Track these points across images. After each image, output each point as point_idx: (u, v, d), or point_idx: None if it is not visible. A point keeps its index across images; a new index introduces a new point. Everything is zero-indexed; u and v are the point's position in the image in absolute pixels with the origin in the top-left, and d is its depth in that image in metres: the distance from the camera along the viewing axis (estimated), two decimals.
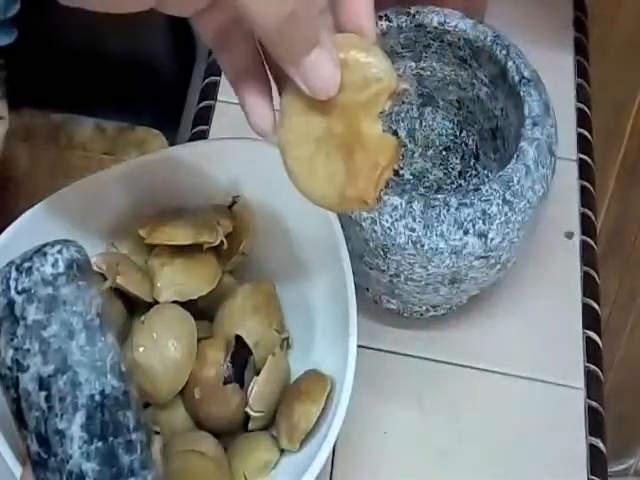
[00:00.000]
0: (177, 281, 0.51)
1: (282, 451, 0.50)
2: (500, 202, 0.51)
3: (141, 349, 0.49)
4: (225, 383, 0.50)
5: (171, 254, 0.51)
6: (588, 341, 0.61)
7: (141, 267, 0.52)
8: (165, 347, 0.49)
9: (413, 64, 0.61)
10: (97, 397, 0.37)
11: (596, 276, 0.63)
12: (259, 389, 0.49)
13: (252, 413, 0.49)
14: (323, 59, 0.37)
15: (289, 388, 0.51)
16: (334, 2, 0.39)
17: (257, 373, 0.50)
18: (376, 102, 0.39)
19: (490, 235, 0.51)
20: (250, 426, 0.50)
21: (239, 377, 0.51)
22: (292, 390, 0.50)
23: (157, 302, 0.51)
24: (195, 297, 0.51)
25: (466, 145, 0.63)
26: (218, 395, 0.50)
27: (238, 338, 0.52)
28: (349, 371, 0.47)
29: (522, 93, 0.55)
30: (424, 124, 0.64)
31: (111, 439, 0.37)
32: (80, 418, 0.36)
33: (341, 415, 0.45)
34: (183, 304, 0.51)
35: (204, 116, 0.68)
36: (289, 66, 0.37)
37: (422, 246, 0.51)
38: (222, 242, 0.51)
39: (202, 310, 0.53)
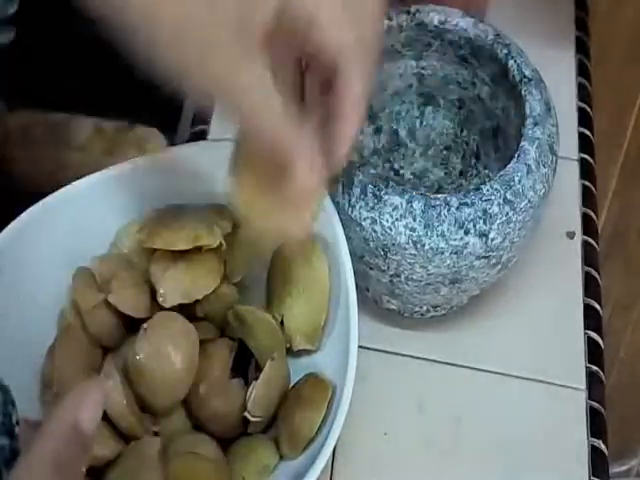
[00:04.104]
0: (181, 283, 0.51)
1: (281, 455, 0.49)
2: (501, 202, 0.51)
3: (142, 358, 0.48)
4: (231, 378, 0.50)
5: (172, 257, 0.51)
6: (589, 341, 0.60)
7: (141, 272, 0.52)
8: (166, 358, 0.49)
9: (414, 63, 0.61)
10: None
11: (597, 276, 0.63)
12: (258, 394, 0.49)
13: (251, 418, 0.49)
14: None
15: (290, 393, 0.50)
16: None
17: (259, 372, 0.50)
18: None
19: (491, 235, 0.51)
20: (249, 429, 0.50)
21: (243, 375, 0.51)
22: (293, 395, 0.50)
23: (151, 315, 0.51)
24: (200, 297, 0.51)
25: (467, 144, 0.63)
26: (223, 389, 0.50)
27: (241, 340, 0.52)
28: (349, 377, 0.47)
29: (523, 92, 0.55)
30: (425, 123, 0.64)
31: None
32: None
33: (340, 421, 0.45)
34: (186, 305, 0.51)
35: (204, 116, 0.68)
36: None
37: (423, 246, 0.51)
38: (221, 244, 0.51)
39: (204, 310, 0.52)
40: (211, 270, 0.52)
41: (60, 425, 0.35)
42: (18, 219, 0.51)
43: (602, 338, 0.61)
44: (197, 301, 0.51)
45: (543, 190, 0.53)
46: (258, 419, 0.49)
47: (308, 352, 0.52)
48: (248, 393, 0.49)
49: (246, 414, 0.49)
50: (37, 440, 0.35)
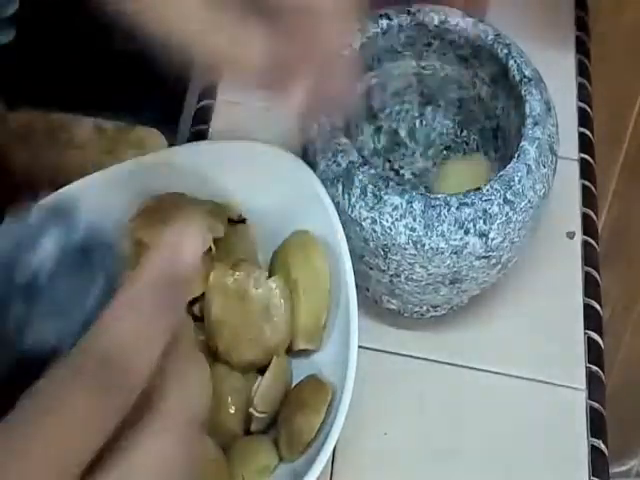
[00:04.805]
0: None
1: (281, 457, 0.49)
2: (501, 202, 0.51)
3: None
4: None
5: None
6: (590, 342, 0.60)
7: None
8: None
9: (414, 63, 0.61)
10: None
11: (597, 276, 0.63)
12: (264, 389, 0.49)
13: (256, 414, 0.49)
14: None
15: (290, 395, 0.50)
16: None
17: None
18: None
19: (491, 235, 0.51)
20: (252, 427, 0.50)
21: None
22: (293, 398, 0.50)
23: None
24: (189, 299, 0.51)
25: (467, 144, 0.63)
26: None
27: None
28: (349, 377, 0.47)
29: (523, 92, 0.55)
30: (425, 123, 0.64)
31: None
32: None
33: (340, 422, 0.45)
34: None
35: (204, 116, 0.68)
36: None
37: (423, 246, 0.51)
38: (210, 248, 0.51)
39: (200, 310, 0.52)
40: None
41: (158, 263, 0.31)
42: None
43: (602, 338, 0.61)
44: (195, 300, 0.51)
45: (543, 190, 0.53)
46: (263, 415, 0.49)
47: (308, 352, 0.52)
48: (254, 388, 0.49)
49: (251, 410, 0.49)
50: (132, 279, 0.31)
